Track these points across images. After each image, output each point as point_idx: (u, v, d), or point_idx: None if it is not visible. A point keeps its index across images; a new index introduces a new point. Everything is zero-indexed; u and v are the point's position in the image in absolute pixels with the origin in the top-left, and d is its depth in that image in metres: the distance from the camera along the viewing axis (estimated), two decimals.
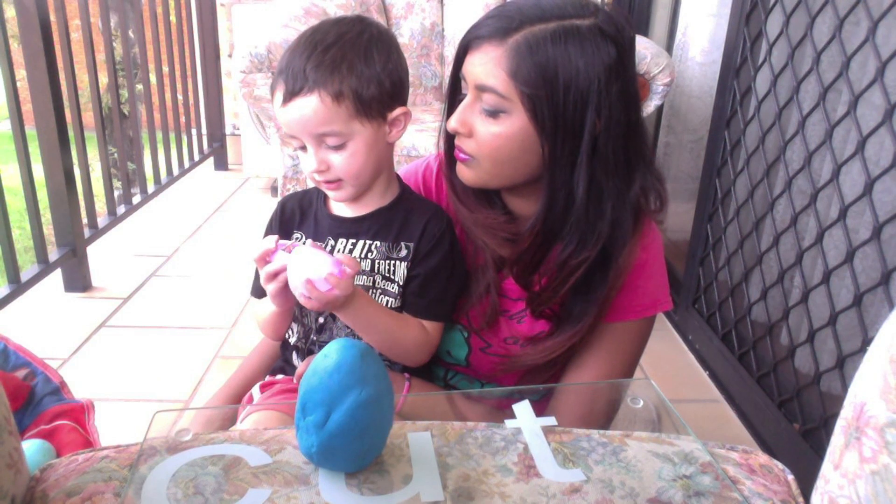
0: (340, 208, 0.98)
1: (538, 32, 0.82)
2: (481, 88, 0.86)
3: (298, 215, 1.00)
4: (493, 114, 0.86)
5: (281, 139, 2.09)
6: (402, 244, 0.94)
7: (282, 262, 0.86)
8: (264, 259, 0.88)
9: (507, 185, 0.93)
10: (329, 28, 0.90)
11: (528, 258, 0.94)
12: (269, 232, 1.02)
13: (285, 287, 0.87)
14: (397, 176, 1.00)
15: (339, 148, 0.88)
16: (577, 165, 0.86)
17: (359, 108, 0.87)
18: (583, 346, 0.99)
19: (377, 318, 0.91)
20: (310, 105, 0.85)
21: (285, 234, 1.00)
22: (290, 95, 0.86)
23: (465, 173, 0.94)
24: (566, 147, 0.85)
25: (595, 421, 0.93)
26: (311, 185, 0.98)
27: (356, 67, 0.86)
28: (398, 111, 0.91)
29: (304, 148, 0.90)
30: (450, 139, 0.96)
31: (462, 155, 0.92)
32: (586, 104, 0.83)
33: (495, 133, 0.87)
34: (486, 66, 0.84)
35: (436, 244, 0.95)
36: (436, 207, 0.99)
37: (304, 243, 0.89)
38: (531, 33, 0.82)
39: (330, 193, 0.95)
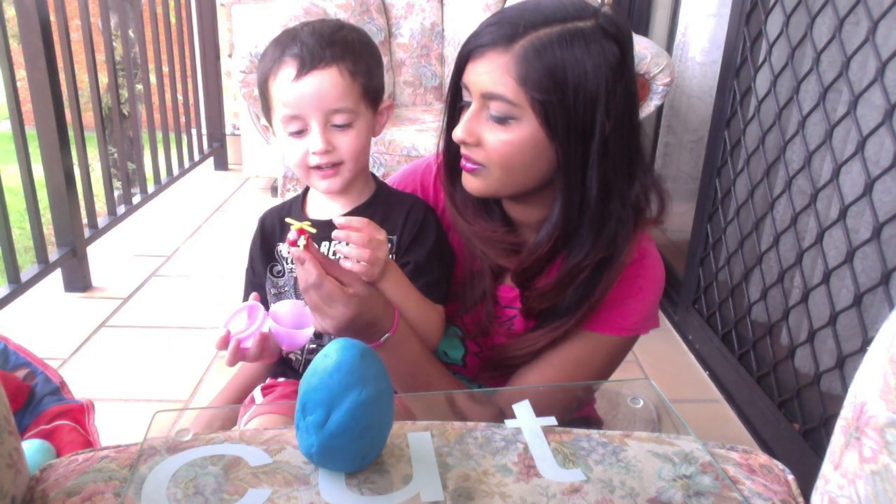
0: (318, 212, 0.97)
1: (544, 37, 0.81)
2: (488, 97, 0.84)
3: (279, 229, 0.99)
4: (502, 121, 0.84)
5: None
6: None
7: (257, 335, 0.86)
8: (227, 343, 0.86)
9: (517, 192, 0.91)
10: (319, 23, 0.92)
11: (540, 265, 0.92)
12: (253, 251, 1.01)
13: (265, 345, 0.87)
14: (372, 174, 1.00)
15: (344, 129, 0.89)
16: (589, 167, 0.85)
17: (367, 89, 0.91)
18: (551, 345, 0.96)
19: (412, 290, 0.89)
20: (328, 78, 0.86)
21: (268, 250, 0.99)
22: (305, 69, 0.86)
23: (472, 183, 0.91)
24: (578, 149, 0.84)
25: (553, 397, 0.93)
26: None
27: (364, 54, 0.91)
28: (386, 102, 0.96)
29: (299, 133, 0.89)
30: (449, 150, 0.95)
31: (470, 165, 0.89)
32: (596, 105, 0.82)
33: (505, 140, 0.85)
34: (493, 74, 0.83)
35: (419, 232, 0.94)
36: (414, 198, 0.99)
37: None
38: (537, 38, 0.81)
39: (322, 184, 0.92)
